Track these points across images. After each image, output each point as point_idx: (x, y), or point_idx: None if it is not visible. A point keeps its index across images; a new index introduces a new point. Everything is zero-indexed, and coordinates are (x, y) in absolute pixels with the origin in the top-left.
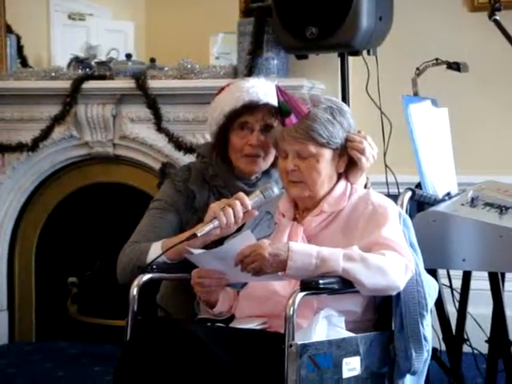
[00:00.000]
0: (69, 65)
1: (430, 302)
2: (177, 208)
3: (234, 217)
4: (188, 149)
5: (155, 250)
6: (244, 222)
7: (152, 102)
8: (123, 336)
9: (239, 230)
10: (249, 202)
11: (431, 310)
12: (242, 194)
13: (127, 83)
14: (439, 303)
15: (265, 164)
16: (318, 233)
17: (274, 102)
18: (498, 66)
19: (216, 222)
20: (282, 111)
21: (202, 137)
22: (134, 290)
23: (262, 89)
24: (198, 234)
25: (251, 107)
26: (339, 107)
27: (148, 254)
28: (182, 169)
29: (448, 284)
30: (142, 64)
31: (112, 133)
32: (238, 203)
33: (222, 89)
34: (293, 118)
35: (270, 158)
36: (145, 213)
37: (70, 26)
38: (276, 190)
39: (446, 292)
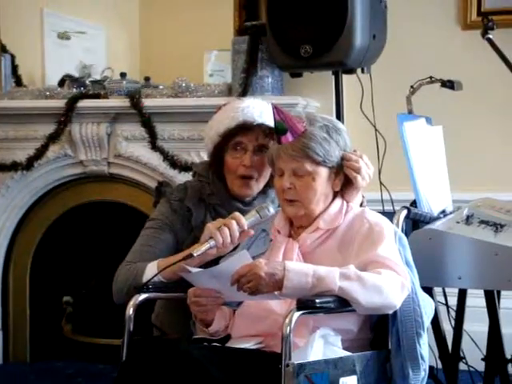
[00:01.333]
0: (60, 83)
1: (427, 320)
2: (173, 227)
3: (231, 236)
4: (183, 167)
5: (151, 270)
6: (240, 241)
7: (147, 121)
8: (118, 355)
9: (235, 248)
10: (245, 221)
11: (427, 328)
12: (238, 214)
13: (122, 102)
14: (435, 321)
15: (258, 186)
16: (314, 250)
17: (269, 122)
18: (491, 84)
19: (212, 242)
20: (278, 130)
21: (197, 155)
22: (130, 310)
23: (258, 109)
24: (195, 254)
25: (245, 127)
26: (335, 126)
27: (144, 274)
28: (178, 188)
29: (444, 302)
30: (136, 83)
31: (106, 151)
32: (234, 223)
33: (219, 108)
34: (289, 137)
35: (264, 180)
36: (140, 232)
37: (63, 46)
38: (272, 210)
39: (442, 310)
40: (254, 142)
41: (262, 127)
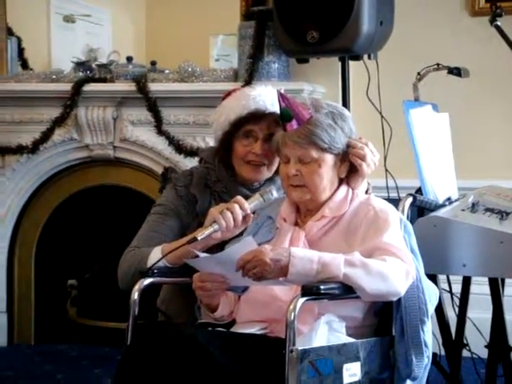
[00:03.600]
0: (74, 69)
1: (431, 308)
2: (178, 213)
3: (234, 220)
4: (188, 152)
5: (156, 255)
6: (244, 225)
7: (152, 105)
8: (123, 339)
9: (241, 235)
10: (247, 205)
11: (431, 316)
12: (240, 198)
13: (128, 86)
14: (439, 308)
15: (268, 172)
16: (320, 238)
17: None
18: (499, 71)
19: (216, 226)
20: (283, 116)
21: (203, 140)
22: (135, 294)
23: (269, 97)
24: (199, 238)
25: (257, 116)
26: (340, 112)
27: (148, 259)
28: (183, 174)
29: (448, 289)
30: (142, 67)
31: (112, 135)
32: (236, 206)
33: (229, 93)
34: (294, 124)
35: (274, 167)
36: (146, 218)
37: (68, 29)
38: (275, 193)
39: (446, 297)
40: (265, 131)
41: (273, 116)
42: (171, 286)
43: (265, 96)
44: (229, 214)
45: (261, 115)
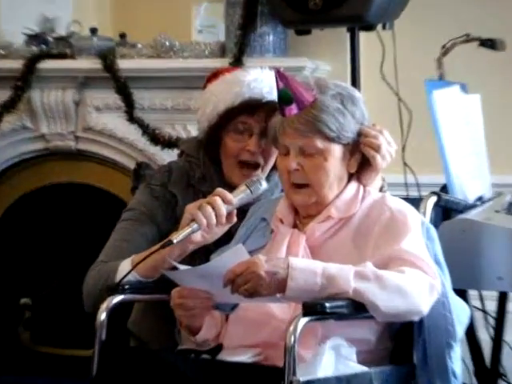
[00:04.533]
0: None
1: (460, 329)
2: (154, 218)
3: (216, 216)
4: (166, 143)
5: (125, 268)
6: (229, 225)
7: (122, 87)
8: (88, 369)
9: (228, 241)
10: (232, 197)
11: (461, 339)
12: (221, 189)
13: (92, 63)
14: (470, 330)
15: (263, 174)
16: (324, 243)
17: None
18: None
19: (194, 225)
20: (282, 99)
21: (184, 128)
22: (103, 315)
23: (267, 83)
24: (174, 241)
25: (252, 106)
26: (350, 94)
27: (117, 273)
28: (160, 170)
29: (480, 307)
30: (109, 40)
31: (74, 123)
32: (218, 199)
33: (216, 74)
34: (294, 108)
35: (269, 166)
36: (116, 225)
37: None
38: (264, 184)
39: (479, 316)
40: (262, 123)
41: (271, 105)
42: (145, 304)
43: (261, 81)
44: (209, 209)
45: (257, 105)
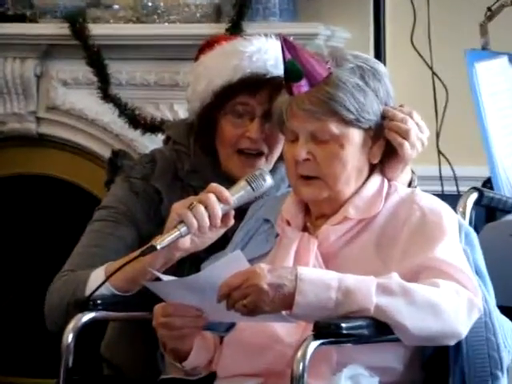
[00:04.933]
0: None
1: (507, 356)
2: (134, 219)
3: (209, 217)
4: (149, 126)
5: (97, 278)
6: (224, 228)
7: (95, 57)
8: None
9: (223, 247)
10: (229, 195)
11: (508, 368)
12: (217, 185)
13: (57, 28)
14: None
15: (268, 165)
16: (340, 249)
17: None
18: None
19: (183, 228)
20: (289, 73)
21: (170, 109)
22: (69, 336)
23: (272, 55)
24: (158, 247)
25: (254, 84)
26: (373, 67)
27: (87, 285)
28: (141, 160)
29: None
30: (79, 0)
31: (35, 102)
32: (211, 197)
33: (210, 44)
34: (305, 84)
35: (276, 155)
36: (86, 226)
37: None
38: (269, 179)
39: None
40: (265, 105)
41: (277, 82)
42: (121, 323)
43: (265, 53)
44: (201, 209)
45: (260, 82)
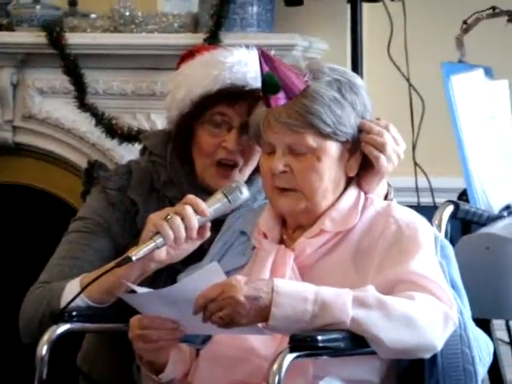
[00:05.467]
0: None
1: (481, 368)
2: (110, 230)
3: (186, 229)
4: (125, 136)
5: (72, 289)
6: (201, 240)
7: (72, 66)
8: None
9: (199, 259)
10: (205, 206)
11: (483, 380)
12: (193, 197)
13: (34, 37)
14: (494, 369)
15: (242, 177)
16: (316, 262)
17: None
18: None
19: (159, 240)
20: (266, 86)
21: (147, 118)
22: (44, 348)
23: (252, 67)
24: (133, 258)
25: (233, 95)
26: (350, 81)
27: (62, 297)
28: (118, 171)
29: (508, 340)
30: (56, 9)
31: (11, 110)
32: (188, 208)
33: (191, 54)
34: (282, 97)
35: (250, 168)
36: (62, 237)
37: None
38: (246, 192)
39: (505, 352)
40: (243, 116)
41: (255, 95)
42: (97, 335)
43: (245, 64)
44: (177, 221)
45: (239, 93)
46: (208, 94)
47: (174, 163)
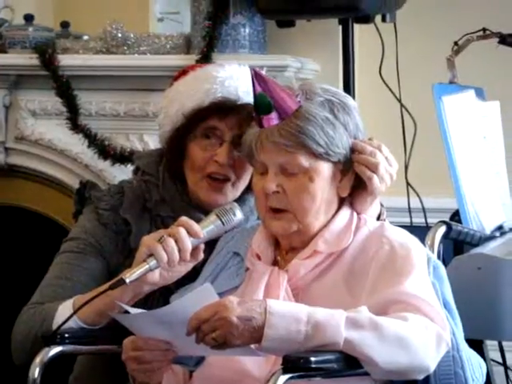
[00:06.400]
0: None
1: None
2: (102, 250)
3: (179, 251)
4: (118, 157)
5: (65, 311)
6: (194, 262)
7: (64, 88)
8: None
9: (193, 279)
10: (199, 228)
11: None
12: (186, 219)
13: (27, 59)
14: None
15: (235, 192)
16: (310, 284)
17: None
18: None
19: (152, 262)
20: (259, 106)
21: (139, 139)
22: (36, 370)
23: (244, 82)
24: (127, 280)
25: (224, 108)
26: (342, 101)
27: (55, 318)
28: (110, 191)
29: (500, 361)
30: (49, 31)
31: (3, 132)
32: (182, 230)
33: (185, 72)
34: (274, 117)
35: (243, 184)
36: (54, 258)
37: None
38: (239, 214)
39: (498, 372)
40: (235, 131)
41: (247, 109)
42: (90, 357)
43: (237, 79)
44: (171, 243)
45: (230, 107)
46: (200, 107)
47: (167, 181)
